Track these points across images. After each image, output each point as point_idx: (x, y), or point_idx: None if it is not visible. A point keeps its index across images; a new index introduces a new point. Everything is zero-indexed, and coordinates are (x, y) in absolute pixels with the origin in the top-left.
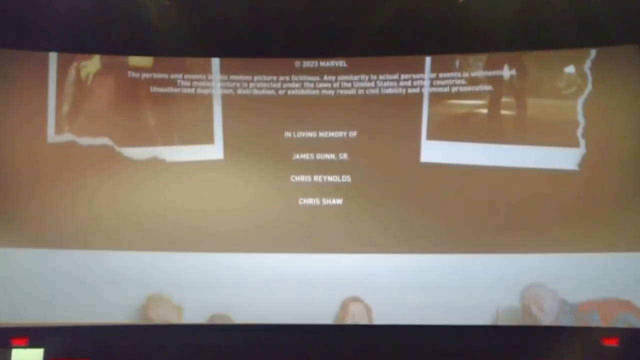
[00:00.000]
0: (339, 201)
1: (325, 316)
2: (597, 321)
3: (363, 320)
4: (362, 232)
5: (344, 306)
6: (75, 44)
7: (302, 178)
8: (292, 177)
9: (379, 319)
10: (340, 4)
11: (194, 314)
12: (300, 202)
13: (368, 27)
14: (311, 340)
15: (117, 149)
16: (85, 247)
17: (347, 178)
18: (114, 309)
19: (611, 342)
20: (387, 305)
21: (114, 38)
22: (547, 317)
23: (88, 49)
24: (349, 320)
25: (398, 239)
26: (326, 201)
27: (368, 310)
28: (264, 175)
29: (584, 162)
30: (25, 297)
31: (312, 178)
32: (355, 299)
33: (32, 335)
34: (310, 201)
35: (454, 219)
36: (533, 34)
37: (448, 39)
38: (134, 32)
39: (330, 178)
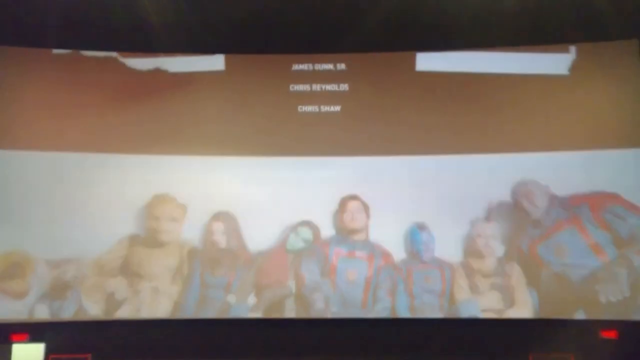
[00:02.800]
0: (337, 108)
1: (324, 213)
2: (587, 213)
3: (361, 217)
4: (359, 136)
5: (343, 204)
6: (77, 40)
7: (300, 87)
8: (291, 86)
9: (375, 215)
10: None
11: (198, 212)
12: (299, 110)
13: (368, 22)
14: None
15: (121, 60)
16: (94, 150)
17: (344, 87)
18: (120, 207)
19: (610, 335)
20: (383, 203)
21: (114, 34)
22: (537, 210)
23: (90, 46)
24: (347, 217)
25: (394, 142)
26: (324, 108)
27: (365, 207)
28: (263, 84)
29: (573, 66)
30: (33, 200)
31: (311, 87)
32: (353, 197)
33: (32, 331)
34: (309, 108)
35: (448, 122)
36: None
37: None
38: (134, 29)
39: (328, 87)
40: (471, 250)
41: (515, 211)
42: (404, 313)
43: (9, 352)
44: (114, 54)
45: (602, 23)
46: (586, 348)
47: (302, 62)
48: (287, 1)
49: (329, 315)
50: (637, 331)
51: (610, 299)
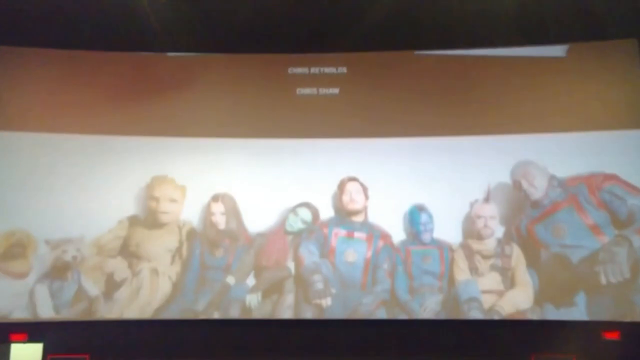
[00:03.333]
0: (336, 90)
1: (323, 195)
2: (584, 194)
3: (360, 198)
4: (358, 118)
5: (341, 185)
6: (75, 40)
7: (299, 70)
8: (289, 68)
9: (374, 196)
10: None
11: (197, 194)
12: (298, 92)
13: (367, 22)
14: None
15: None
16: (94, 132)
17: (343, 69)
18: (120, 189)
19: (612, 336)
20: (382, 184)
21: (112, 34)
22: (536, 191)
23: (87, 46)
24: (346, 198)
25: (392, 124)
26: (323, 91)
27: (364, 188)
28: (262, 67)
29: (570, 49)
30: (34, 181)
31: (309, 69)
32: (352, 179)
33: (31, 331)
34: (307, 91)
35: (447, 103)
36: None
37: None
38: (132, 29)
39: (326, 69)
40: (470, 231)
41: (514, 192)
42: (403, 294)
43: (7, 352)
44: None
45: (601, 22)
46: (588, 349)
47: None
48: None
49: (328, 296)
50: None
51: (610, 280)
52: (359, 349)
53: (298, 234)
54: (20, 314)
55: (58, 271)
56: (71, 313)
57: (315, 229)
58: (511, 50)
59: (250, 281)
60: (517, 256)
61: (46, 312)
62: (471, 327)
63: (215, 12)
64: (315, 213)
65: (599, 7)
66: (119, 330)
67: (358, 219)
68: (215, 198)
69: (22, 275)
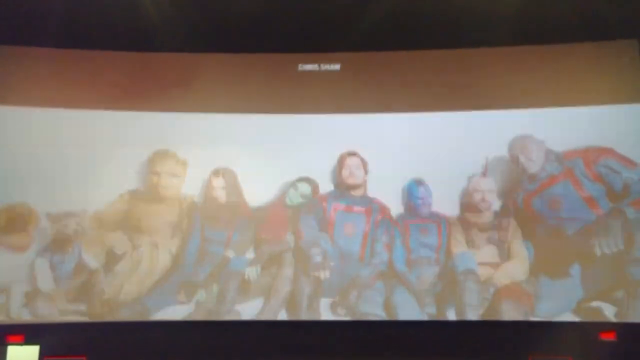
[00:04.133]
0: (337, 67)
1: (323, 170)
2: (580, 167)
3: (359, 172)
4: (358, 94)
5: (341, 160)
6: (73, 39)
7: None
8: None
9: (374, 171)
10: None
11: (198, 168)
12: (299, 68)
13: (366, 21)
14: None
15: None
16: (96, 107)
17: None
18: (122, 163)
19: (609, 337)
20: (382, 159)
21: (112, 33)
22: (533, 165)
23: (86, 45)
24: (345, 173)
25: (392, 100)
26: (324, 67)
27: (364, 163)
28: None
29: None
30: (35, 155)
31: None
32: (352, 154)
33: (28, 333)
34: (308, 67)
35: (446, 79)
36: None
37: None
38: (131, 28)
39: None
40: (468, 204)
41: (511, 166)
42: (400, 266)
43: (4, 354)
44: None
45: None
46: (585, 350)
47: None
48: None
49: (327, 269)
50: (636, 333)
51: (605, 252)
52: (356, 350)
53: (297, 208)
54: (20, 287)
55: (59, 244)
56: (71, 285)
57: (314, 203)
58: None
59: (250, 254)
60: (513, 229)
61: (46, 284)
62: (467, 328)
63: (213, 11)
64: (314, 187)
65: (599, 7)
66: (116, 332)
67: (357, 193)
68: (216, 173)
69: (22, 249)
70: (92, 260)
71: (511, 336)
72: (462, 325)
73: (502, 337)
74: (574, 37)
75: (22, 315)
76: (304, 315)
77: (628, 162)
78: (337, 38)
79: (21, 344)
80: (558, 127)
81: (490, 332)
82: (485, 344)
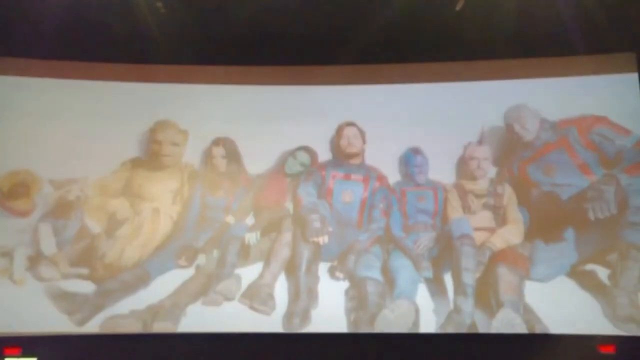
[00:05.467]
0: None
1: (322, 139)
2: (574, 135)
3: (357, 142)
4: (357, 65)
5: (339, 130)
6: (72, 51)
7: None
8: None
9: (372, 141)
10: (338, 12)
11: (199, 138)
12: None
13: (366, 35)
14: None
15: None
16: (98, 78)
17: None
18: (124, 132)
19: (608, 350)
20: (379, 129)
21: (113, 46)
22: (528, 133)
23: (84, 57)
24: (344, 142)
25: (390, 71)
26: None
27: (362, 133)
28: None
29: None
30: (38, 123)
31: None
32: (350, 124)
33: (25, 345)
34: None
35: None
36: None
37: (445, 46)
38: (130, 39)
39: None
40: (464, 172)
41: (507, 135)
42: (397, 232)
43: None
44: None
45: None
46: None
47: None
48: (289, 14)
49: (325, 234)
50: (635, 346)
51: (598, 216)
52: None
53: (297, 176)
54: (24, 251)
55: (61, 210)
56: (74, 249)
57: (313, 171)
58: None
59: (250, 220)
60: (508, 195)
61: (49, 248)
62: (464, 341)
63: (214, 24)
64: (313, 156)
65: (597, 20)
66: (113, 345)
67: (355, 161)
68: (217, 142)
69: (26, 213)
70: (94, 225)
71: (509, 349)
72: (460, 338)
73: (499, 350)
74: (571, 50)
75: (25, 278)
76: (303, 279)
77: (621, 129)
78: (332, 52)
79: (18, 357)
80: (552, 97)
81: (487, 345)
82: (482, 357)
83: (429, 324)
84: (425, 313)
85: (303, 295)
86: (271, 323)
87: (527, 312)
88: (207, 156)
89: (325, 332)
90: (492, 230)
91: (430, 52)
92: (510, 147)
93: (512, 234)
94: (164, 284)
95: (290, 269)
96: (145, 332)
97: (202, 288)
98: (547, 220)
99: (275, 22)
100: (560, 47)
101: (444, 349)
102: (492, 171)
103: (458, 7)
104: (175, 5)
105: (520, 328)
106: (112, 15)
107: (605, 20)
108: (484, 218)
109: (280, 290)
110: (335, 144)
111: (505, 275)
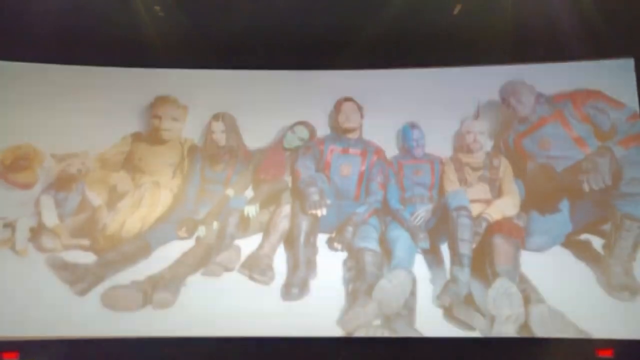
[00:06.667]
0: None
1: (320, 114)
2: (569, 108)
3: (355, 117)
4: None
5: (337, 105)
6: (70, 55)
7: None
8: None
9: (369, 116)
10: (336, 16)
11: (199, 113)
12: None
13: (364, 39)
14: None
15: None
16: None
17: None
18: (124, 108)
19: (606, 354)
20: (377, 104)
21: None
22: (524, 107)
23: (82, 61)
24: (342, 117)
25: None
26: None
27: (360, 108)
28: None
29: None
30: (39, 100)
31: None
32: (348, 99)
33: (22, 349)
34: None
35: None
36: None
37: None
38: (127, 43)
39: None
40: (460, 145)
41: (502, 109)
42: (395, 204)
43: None
44: None
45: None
46: None
47: None
48: (287, 17)
49: (323, 206)
50: (634, 350)
51: (592, 187)
52: None
53: (295, 150)
54: (26, 222)
55: (63, 183)
56: (75, 221)
57: (311, 146)
58: None
59: (249, 193)
60: (504, 167)
61: (51, 220)
62: (461, 345)
63: (212, 26)
64: (312, 131)
65: (596, 25)
66: (113, 349)
67: (353, 136)
68: (216, 117)
69: (28, 186)
70: (95, 197)
71: (506, 353)
72: (456, 343)
73: (497, 354)
74: (569, 56)
75: (27, 249)
76: (302, 250)
77: (615, 103)
78: (332, 56)
79: None
80: (548, 72)
81: (484, 349)
82: None
83: (425, 294)
84: (422, 283)
85: (302, 266)
86: (270, 293)
87: (522, 281)
88: (207, 131)
89: (324, 337)
90: (488, 202)
91: (426, 56)
92: (506, 121)
93: (508, 205)
94: (165, 255)
95: (289, 240)
96: (144, 336)
97: (202, 259)
98: (542, 192)
99: (271, 25)
100: (559, 52)
101: (442, 353)
102: (488, 145)
103: (455, 11)
104: (173, 8)
105: (516, 297)
106: (109, 19)
107: (604, 25)
108: (480, 190)
109: (280, 261)
110: (333, 119)
111: (501, 245)
